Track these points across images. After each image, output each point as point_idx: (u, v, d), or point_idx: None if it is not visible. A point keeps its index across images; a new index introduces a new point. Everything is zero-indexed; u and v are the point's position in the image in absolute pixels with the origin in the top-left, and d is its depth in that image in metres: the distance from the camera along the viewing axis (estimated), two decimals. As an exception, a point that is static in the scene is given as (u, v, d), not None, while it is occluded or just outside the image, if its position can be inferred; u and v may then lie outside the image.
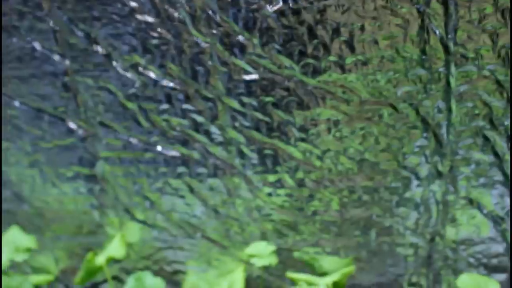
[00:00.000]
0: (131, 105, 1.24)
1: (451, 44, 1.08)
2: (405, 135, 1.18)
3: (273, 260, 1.24)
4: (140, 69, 1.20)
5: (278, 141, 1.22)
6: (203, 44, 1.16)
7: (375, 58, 1.11)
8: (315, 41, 1.11)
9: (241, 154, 1.25)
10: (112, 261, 1.39)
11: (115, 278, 1.46)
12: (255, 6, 1.12)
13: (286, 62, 1.14)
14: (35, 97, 1.28)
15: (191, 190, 1.32)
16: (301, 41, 1.12)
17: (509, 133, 1.14)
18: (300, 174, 1.25)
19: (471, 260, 1.32)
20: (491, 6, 1.04)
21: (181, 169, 1.30)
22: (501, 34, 1.05)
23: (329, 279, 1.29)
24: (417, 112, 1.16)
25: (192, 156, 1.27)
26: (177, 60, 1.18)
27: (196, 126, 1.24)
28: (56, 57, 1.23)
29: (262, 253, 1.25)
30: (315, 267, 1.37)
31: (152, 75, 1.20)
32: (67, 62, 1.23)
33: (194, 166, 1.29)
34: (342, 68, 1.13)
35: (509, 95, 1.11)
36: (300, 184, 1.27)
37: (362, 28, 1.09)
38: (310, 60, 1.13)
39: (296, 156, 1.23)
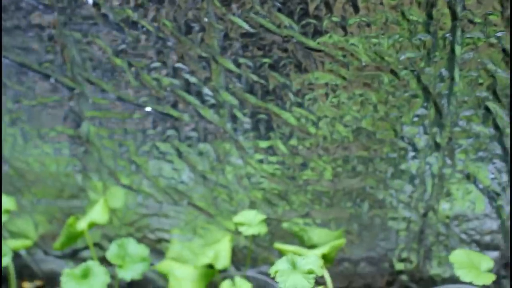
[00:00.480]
0: (120, 62, 1.18)
1: (458, 8, 1.03)
2: (405, 104, 1.14)
3: (262, 230, 1.19)
4: (132, 24, 1.14)
5: (272, 105, 1.17)
6: (199, -1, 1.10)
7: (379, 20, 1.06)
8: (318, -1, 1.05)
9: (234, 118, 1.20)
10: (94, 227, 1.33)
11: (97, 245, 1.41)
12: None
13: (286, 21, 1.09)
14: (18, 50, 1.22)
15: (180, 154, 1.27)
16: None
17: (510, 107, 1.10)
18: (293, 141, 1.21)
19: (464, 236, 1.29)
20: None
21: (170, 132, 1.24)
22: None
23: (318, 252, 1.25)
24: (419, 80, 1.12)
25: (182, 119, 1.22)
26: (171, 15, 1.12)
27: (188, 87, 1.18)
28: (43, 8, 1.16)
29: (251, 221, 1.20)
30: (304, 238, 1.33)
31: (144, 30, 1.14)
32: (55, 13, 1.16)
33: (183, 129, 1.23)
34: (344, 30, 1.08)
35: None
36: (293, 151, 1.22)
37: (367, -12, 1.04)
38: (311, 20, 1.08)
39: (291, 122, 1.18)
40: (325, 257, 1.27)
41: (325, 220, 1.31)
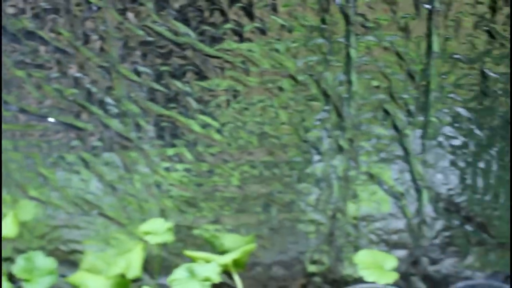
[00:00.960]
0: (20, 73, 1.17)
1: (351, 13, 1.05)
2: (306, 108, 1.15)
3: (169, 238, 1.19)
4: (29, 34, 1.12)
5: (176, 113, 1.17)
6: (95, 8, 1.09)
7: (274, 26, 1.07)
8: (213, 6, 1.06)
9: (138, 127, 1.19)
10: (4, 241, 1.31)
11: (8, 259, 1.38)
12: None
13: (182, 28, 1.09)
14: None
15: (86, 165, 1.26)
16: (197, 7, 1.06)
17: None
18: (199, 148, 1.21)
19: (372, 236, 1.31)
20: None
21: (75, 142, 1.23)
22: (401, 3, 1.03)
23: (229, 257, 1.25)
24: (318, 84, 1.12)
25: (86, 129, 1.21)
26: (68, 25, 1.11)
27: (90, 97, 1.18)
28: None
29: (158, 230, 1.20)
30: (215, 245, 1.33)
31: (42, 40, 1.13)
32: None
33: (88, 139, 1.22)
34: (241, 36, 1.08)
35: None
36: (199, 158, 1.22)
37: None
38: (207, 27, 1.08)
39: (195, 129, 1.18)
40: (236, 262, 1.27)
41: (236, 226, 1.31)
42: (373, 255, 1.19)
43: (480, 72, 1.09)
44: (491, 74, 1.09)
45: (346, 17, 1.07)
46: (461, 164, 1.20)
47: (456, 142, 1.17)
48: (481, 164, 1.19)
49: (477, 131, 1.14)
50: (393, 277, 1.14)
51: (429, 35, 1.06)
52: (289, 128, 1.17)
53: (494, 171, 1.19)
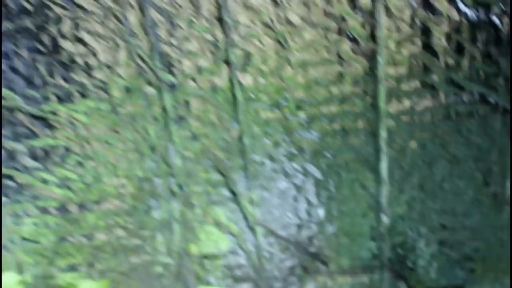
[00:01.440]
0: None
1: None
2: (136, 159, 1.25)
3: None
4: None
5: (14, 171, 1.27)
6: None
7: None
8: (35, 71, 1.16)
9: (-18, 187, 1.28)
10: None
11: None
12: None
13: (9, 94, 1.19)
14: None
15: None
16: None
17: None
18: (41, 203, 1.29)
19: (218, 273, 1.40)
20: None
21: None
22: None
23: (84, 303, 1.33)
24: (144, 138, 1.23)
25: None
26: None
27: None
28: None
29: (10, 284, 1.28)
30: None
31: None
32: None
33: None
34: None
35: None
36: (45, 211, 1.31)
37: None
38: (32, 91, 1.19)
39: (36, 184, 1.27)
40: (92, 307, 1.35)
41: (89, 273, 1.39)
42: (210, 291, 1.29)
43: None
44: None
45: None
46: (289, 199, 1.31)
47: (283, 181, 1.28)
48: (311, 197, 1.30)
49: (311, 168, 1.26)
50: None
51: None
52: (125, 178, 1.27)
53: (326, 203, 1.31)
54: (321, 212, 1.30)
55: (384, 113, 1.14)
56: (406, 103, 1.14)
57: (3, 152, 1.22)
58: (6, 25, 1.10)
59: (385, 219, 1.30)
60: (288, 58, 1.07)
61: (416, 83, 1.12)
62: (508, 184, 1.25)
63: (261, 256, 1.37)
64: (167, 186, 1.27)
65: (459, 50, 1.08)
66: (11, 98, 1.18)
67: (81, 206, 1.29)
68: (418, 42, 1.08)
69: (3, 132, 1.13)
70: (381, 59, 1.08)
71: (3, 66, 1.07)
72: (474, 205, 1.29)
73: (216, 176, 1.27)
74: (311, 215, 1.31)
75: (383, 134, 1.17)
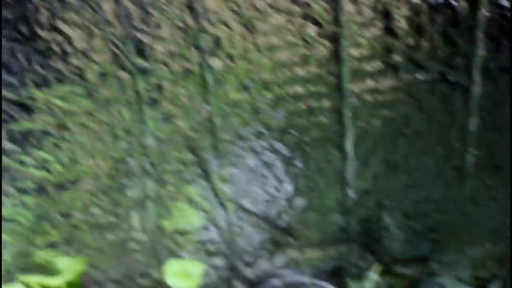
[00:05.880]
0: None
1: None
2: (111, 140, 1.29)
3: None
4: None
5: (-10, 154, 1.30)
6: None
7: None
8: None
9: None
10: None
11: None
12: None
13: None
14: None
15: None
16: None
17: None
18: (21, 184, 1.33)
19: (191, 248, 1.45)
20: None
21: None
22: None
23: (62, 279, 1.37)
24: (118, 120, 1.27)
25: None
26: None
27: None
28: None
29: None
30: (50, 268, 1.45)
31: None
32: None
33: None
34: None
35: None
36: (24, 192, 1.34)
37: None
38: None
39: (16, 167, 1.31)
40: (70, 283, 1.40)
41: (67, 251, 1.43)
42: (181, 264, 1.34)
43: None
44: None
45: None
46: (261, 176, 1.37)
47: (252, 159, 1.33)
48: (280, 174, 1.36)
49: (279, 146, 1.31)
50: (197, 281, 1.29)
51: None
52: (101, 159, 1.30)
53: (294, 180, 1.37)
54: (289, 188, 1.35)
55: (348, 93, 1.19)
56: (369, 82, 1.19)
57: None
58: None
59: (351, 194, 1.36)
60: (256, 42, 1.12)
61: (378, 64, 1.16)
62: (468, 158, 1.30)
63: (232, 231, 1.42)
64: (141, 166, 1.31)
65: (419, 31, 1.13)
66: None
67: (58, 187, 1.32)
68: (380, 24, 1.12)
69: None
70: (344, 42, 1.12)
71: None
72: (436, 178, 1.35)
73: (188, 156, 1.31)
74: (279, 191, 1.36)
75: (347, 112, 1.22)
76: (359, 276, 1.49)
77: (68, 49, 1.10)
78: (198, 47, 1.10)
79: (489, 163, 1.30)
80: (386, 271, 1.50)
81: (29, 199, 1.33)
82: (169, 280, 1.22)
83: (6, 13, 1.06)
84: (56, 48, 1.09)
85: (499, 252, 1.48)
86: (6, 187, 1.32)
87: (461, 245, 1.46)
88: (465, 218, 1.41)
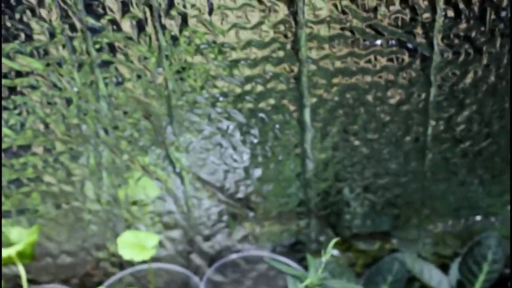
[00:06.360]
0: None
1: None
2: (61, 104, 1.27)
3: None
4: None
5: None
6: None
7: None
8: None
9: None
10: None
11: None
12: None
13: None
14: None
15: None
16: None
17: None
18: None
19: (147, 220, 1.43)
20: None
21: None
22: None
23: (13, 249, 1.35)
24: (69, 84, 1.24)
25: None
26: None
27: None
28: None
29: None
30: (2, 239, 1.42)
31: None
32: None
33: None
34: None
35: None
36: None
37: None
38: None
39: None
40: (22, 254, 1.37)
41: (18, 220, 1.41)
42: (135, 235, 1.32)
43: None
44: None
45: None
46: (217, 145, 1.36)
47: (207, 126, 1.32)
48: (238, 145, 1.36)
49: (236, 115, 1.30)
50: (151, 254, 1.27)
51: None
52: (53, 122, 1.28)
53: (252, 150, 1.36)
54: (246, 158, 1.33)
55: (305, 59, 1.17)
56: (327, 48, 1.17)
57: None
58: None
59: (310, 165, 1.34)
60: (211, 3, 1.09)
61: (336, 29, 1.15)
62: (428, 129, 1.29)
63: (189, 203, 1.40)
64: (95, 132, 1.29)
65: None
66: None
67: (8, 152, 1.30)
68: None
69: None
70: (301, 4, 1.10)
71: None
72: (396, 150, 1.33)
73: (142, 122, 1.29)
74: (236, 161, 1.34)
75: (304, 80, 1.20)
76: (319, 252, 1.47)
77: (15, 4, 1.07)
78: (151, 6, 1.08)
79: (449, 136, 1.29)
80: (346, 247, 1.49)
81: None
82: (123, 252, 1.20)
83: None
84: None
85: (460, 229, 1.47)
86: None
87: (421, 221, 1.45)
88: (425, 192, 1.40)
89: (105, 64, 1.19)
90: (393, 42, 1.17)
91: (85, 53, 1.18)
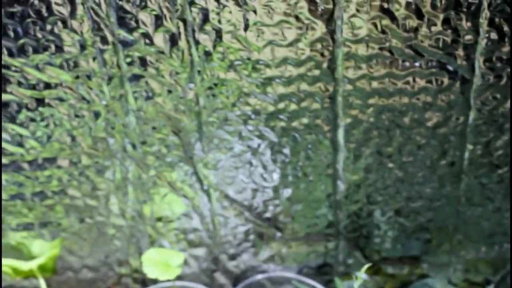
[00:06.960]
0: None
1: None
2: (90, 118, 1.23)
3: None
4: None
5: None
6: None
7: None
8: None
9: None
10: None
11: None
12: None
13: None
14: None
15: None
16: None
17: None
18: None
19: (172, 236, 1.39)
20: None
21: None
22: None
23: (34, 263, 1.32)
24: (99, 97, 1.21)
25: None
26: None
27: None
28: None
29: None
30: (24, 252, 1.39)
31: None
32: None
33: None
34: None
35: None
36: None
37: None
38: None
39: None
40: (43, 267, 1.34)
41: (41, 233, 1.38)
42: (160, 253, 1.28)
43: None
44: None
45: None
46: (247, 163, 1.31)
47: (239, 144, 1.28)
48: (268, 164, 1.31)
49: (268, 134, 1.25)
50: (176, 273, 1.23)
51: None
52: (80, 135, 1.24)
53: (282, 170, 1.31)
54: (276, 177, 1.29)
55: (341, 78, 1.13)
56: (364, 68, 1.13)
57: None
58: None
59: (341, 186, 1.30)
60: (247, 19, 1.06)
61: (375, 49, 1.11)
62: (465, 153, 1.25)
63: (216, 221, 1.36)
64: (122, 146, 1.25)
65: (419, 15, 1.07)
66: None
67: (33, 164, 1.27)
68: (377, 5, 1.06)
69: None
70: (339, 22, 1.06)
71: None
72: (430, 174, 1.29)
73: (171, 138, 1.25)
74: (266, 180, 1.29)
75: (339, 99, 1.16)
76: (346, 274, 1.43)
77: (46, 15, 1.03)
78: (185, 21, 1.04)
79: (486, 161, 1.25)
80: (374, 271, 1.45)
81: (2, 176, 1.27)
82: (148, 270, 1.16)
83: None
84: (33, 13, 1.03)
85: (493, 256, 1.42)
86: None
87: (453, 247, 1.41)
88: (459, 218, 1.35)
89: (136, 78, 1.16)
90: (433, 63, 1.12)
91: (116, 66, 1.14)
